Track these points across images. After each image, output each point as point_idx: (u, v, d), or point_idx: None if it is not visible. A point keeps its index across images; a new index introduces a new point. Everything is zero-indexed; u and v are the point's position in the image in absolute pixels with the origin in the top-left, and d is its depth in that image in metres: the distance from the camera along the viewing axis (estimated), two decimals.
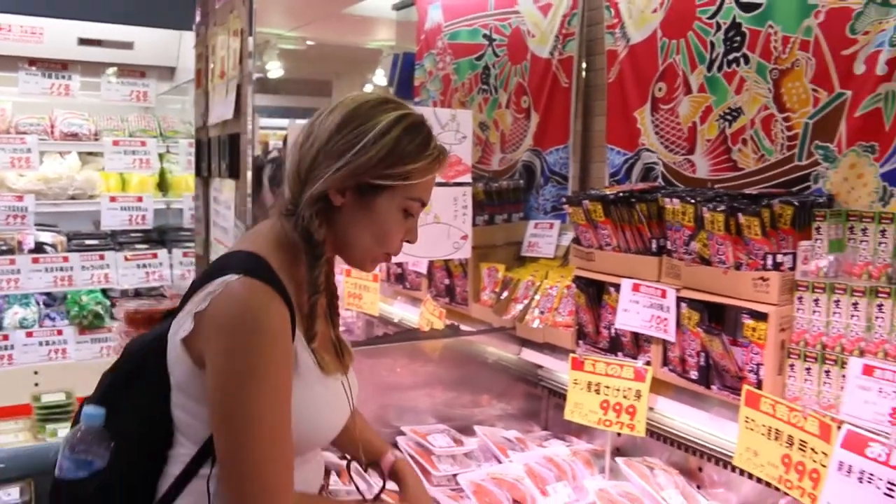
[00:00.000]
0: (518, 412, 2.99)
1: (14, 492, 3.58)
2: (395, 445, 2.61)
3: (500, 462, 2.56)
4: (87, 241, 4.50)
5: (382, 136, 1.40)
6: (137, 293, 4.31)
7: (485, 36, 3.67)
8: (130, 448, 1.44)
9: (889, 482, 1.58)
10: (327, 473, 2.06)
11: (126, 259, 4.36)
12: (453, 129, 2.76)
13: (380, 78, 5.20)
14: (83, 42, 4.55)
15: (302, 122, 1.55)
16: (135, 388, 1.49)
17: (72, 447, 1.41)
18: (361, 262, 1.53)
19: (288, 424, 1.36)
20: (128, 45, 4.67)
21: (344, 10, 4.44)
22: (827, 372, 1.85)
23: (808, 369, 1.89)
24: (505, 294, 3.08)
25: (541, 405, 3.02)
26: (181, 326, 1.38)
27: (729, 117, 2.42)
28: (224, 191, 3.16)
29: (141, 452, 1.45)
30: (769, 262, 1.97)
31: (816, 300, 1.88)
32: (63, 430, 4.03)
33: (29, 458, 3.77)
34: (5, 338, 4.18)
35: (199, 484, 1.42)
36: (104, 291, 4.55)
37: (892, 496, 1.57)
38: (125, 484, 1.43)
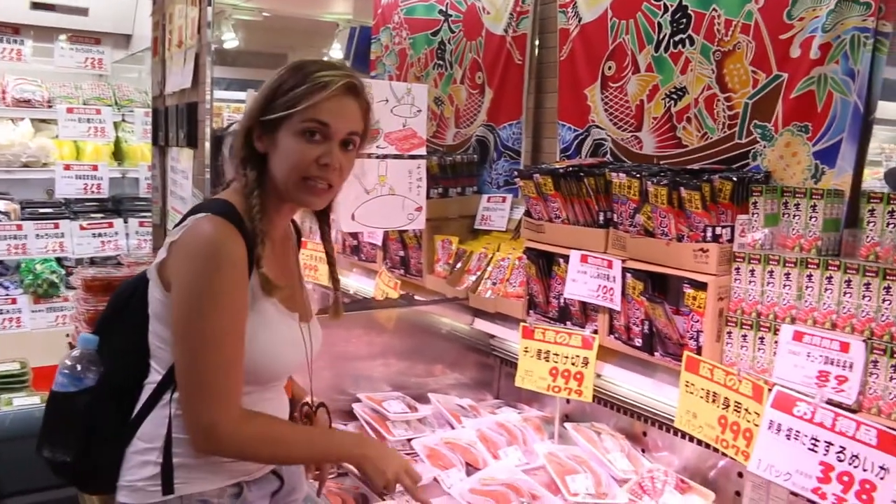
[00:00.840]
0: (471, 381, 3.08)
1: None
2: (351, 412, 2.69)
3: (453, 428, 2.65)
4: (42, 210, 4.46)
5: (275, 79, 1.63)
6: (93, 262, 4.28)
7: (441, 11, 3.71)
8: (116, 373, 1.67)
9: (813, 438, 1.71)
10: None
11: (81, 228, 4.33)
12: (408, 102, 2.81)
13: (336, 51, 5.19)
14: (36, 6, 4.46)
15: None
16: (122, 320, 1.71)
17: (68, 366, 1.67)
18: (296, 195, 1.66)
19: (238, 342, 1.55)
20: (82, 11, 4.60)
21: None
22: (761, 338, 1.97)
23: (745, 336, 2.01)
24: (458, 266, 3.16)
25: (493, 374, 3.12)
26: (159, 255, 1.61)
27: (674, 96, 2.52)
28: (182, 160, 3.17)
29: (125, 378, 1.65)
30: (709, 234, 2.08)
31: (752, 271, 1.99)
32: (18, 399, 4.02)
33: None
34: None
35: (163, 408, 1.60)
36: (59, 260, 4.52)
37: (815, 451, 1.70)
38: (109, 405, 1.64)
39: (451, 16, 3.65)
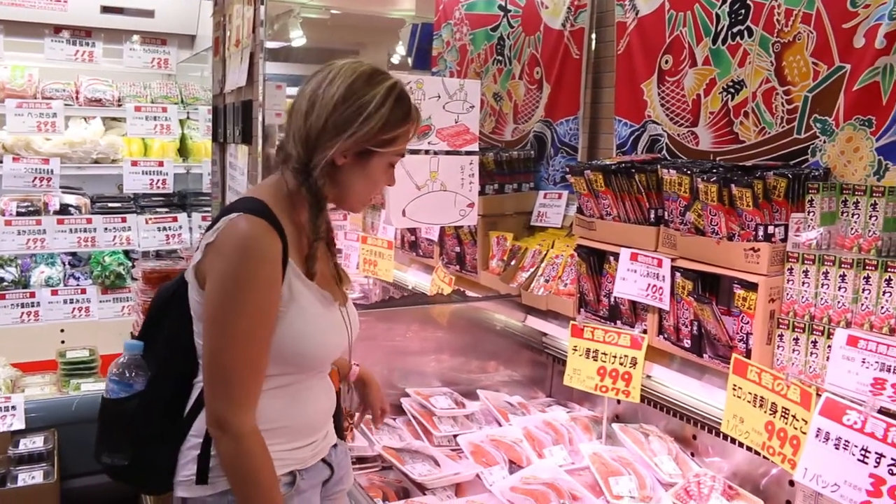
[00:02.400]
0: (523, 378, 3.05)
1: (39, 440, 3.73)
2: (400, 407, 2.69)
3: (500, 425, 2.63)
4: (110, 204, 4.61)
5: (379, 108, 1.60)
6: (157, 255, 4.42)
7: (500, 7, 3.69)
8: (163, 376, 1.69)
9: (864, 449, 1.62)
10: None
11: (147, 222, 4.46)
12: (461, 98, 2.80)
13: (402, 49, 5.21)
14: (106, 10, 4.61)
15: None
16: (164, 323, 1.74)
17: (116, 373, 1.70)
18: (355, 208, 1.76)
19: (263, 340, 1.56)
20: (149, 14, 4.74)
21: None
22: (814, 342, 1.89)
23: (796, 339, 1.93)
24: (512, 262, 3.13)
25: (545, 372, 3.08)
26: (195, 258, 1.62)
27: (732, 90, 2.44)
28: (239, 156, 3.23)
29: (172, 380, 1.69)
30: (761, 233, 2.00)
31: (806, 272, 1.91)
32: (86, 384, 4.18)
33: (53, 410, 3.91)
34: (32, 295, 4.31)
35: None
36: (126, 253, 4.67)
37: (866, 462, 1.61)
38: (159, 406, 1.67)
39: (510, 11, 3.62)
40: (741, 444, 2.09)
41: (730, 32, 2.45)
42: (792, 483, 2.03)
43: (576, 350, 2.53)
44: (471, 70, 3.98)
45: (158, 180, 4.50)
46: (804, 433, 1.76)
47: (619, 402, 2.61)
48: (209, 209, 4.41)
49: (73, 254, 4.61)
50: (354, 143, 1.61)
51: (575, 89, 3.21)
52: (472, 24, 3.95)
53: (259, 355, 1.56)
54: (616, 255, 2.43)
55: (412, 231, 3.82)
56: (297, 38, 4.98)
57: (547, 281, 2.91)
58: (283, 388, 1.65)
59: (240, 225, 1.54)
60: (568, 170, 2.71)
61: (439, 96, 2.78)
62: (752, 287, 1.97)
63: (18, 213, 4.29)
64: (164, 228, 4.47)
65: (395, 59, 4.98)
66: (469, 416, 2.67)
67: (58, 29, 4.54)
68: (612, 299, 2.49)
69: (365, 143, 1.62)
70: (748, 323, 1.99)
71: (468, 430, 2.56)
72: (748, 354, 1.99)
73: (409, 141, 1.71)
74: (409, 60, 4.74)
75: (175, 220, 4.52)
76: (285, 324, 1.59)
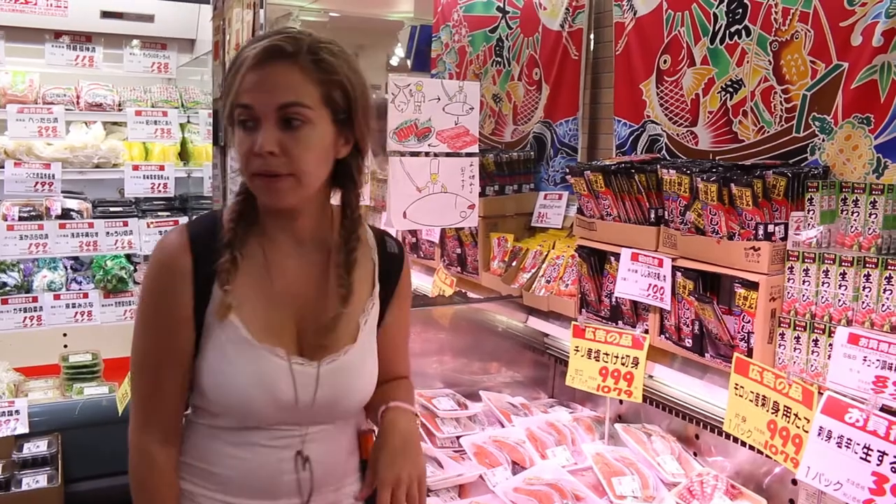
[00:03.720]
0: (525, 379, 3.05)
1: (42, 444, 3.74)
2: None
3: (503, 426, 2.63)
4: (112, 209, 4.61)
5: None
6: None
7: (498, 8, 3.69)
8: None
9: (866, 446, 1.62)
10: None
11: (149, 226, 4.47)
12: (461, 100, 2.80)
13: (401, 51, 5.22)
14: (106, 15, 4.63)
15: None
16: None
17: None
18: (258, 196, 1.44)
19: (161, 362, 1.44)
20: (149, 18, 4.75)
21: None
22: (815, 341, 1.89)
23: (798, 338, 1.93)
24: (514, 263, 3.14)
25: (547, 373, 3.08)
26: None
27: (730, 89, 2.44)
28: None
29: None
30: (761, 232, 2.01)
31: (806, 270, 1.91)
32: (89, 388, 4.18)
33: (57, 414, 3.93)
34: (34, 300, 4.31)
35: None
36: (128, 257, 4.68)
37: (868, 460, 1.62)
38: None
39: (508, 12, 3.63)
40: (744, 444, 2.09)
41: (728, 32, 2.45)
42: (795, 482, 2.03)
43: (577, 350, 2.53)
44: (470, 72, 3.98)
45: (160, 184, 4.51)
46: (806, 432, 1.76)
47: (621, 402, 2.61)
48: None
49: (75, 258, 4.61)
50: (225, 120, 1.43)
51: (574, 90, 3.22)
52: (470, 26, 3.96)
53: (155, 376, 1.45)
54: (617, 256, 2.44)
55: (413, 233, 3.83)
56: None
57: (548, 282, 2.91)
58: (227, 431, 1.47)
59: (166, 235, 1.47)
60: (568, 170, 2.71)
61: (439, 98, 2.78)
62: (753, 286, 1.97)
63: (20, 218, 4.29)
64: (166, 232, 4.48)
65: (395, 62, 4.98)
66: (472, 417, 2.67)
67: (58, 34, 4.55)
68: (614, 299, 2.50)
69: (223, 112, 1.43)
70: (749, 322, 2.00)
71: (471, 432, 2.56)
72: (750, 353, 2.00)
73: (245, 86, 1.35)
74: (409, 62, 4.75)
75: (176, 223, 4.53)
76: (200, 357, 1.44)
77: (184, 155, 4.88)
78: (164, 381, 1.45)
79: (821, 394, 1.75)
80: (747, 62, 2.38)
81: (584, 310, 2.66)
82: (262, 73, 1.34)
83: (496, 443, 2.45)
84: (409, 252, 1.52)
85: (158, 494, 1.47)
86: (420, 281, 3.79)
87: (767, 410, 1.89)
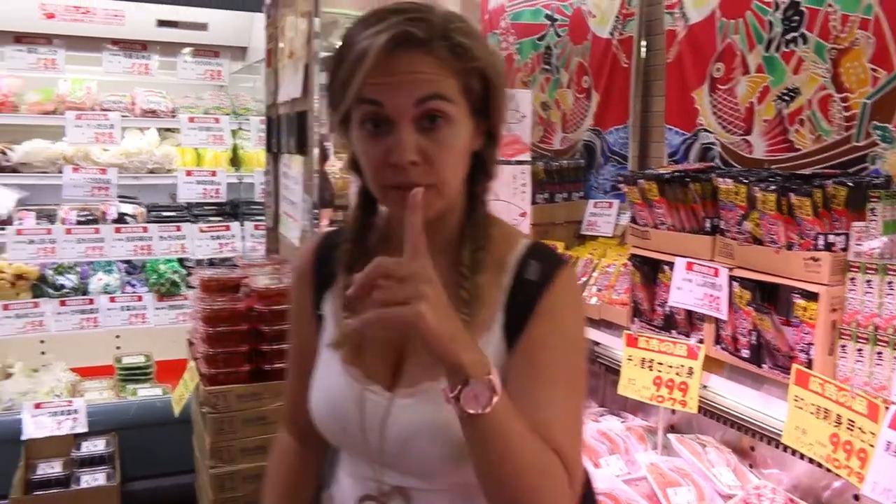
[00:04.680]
0: None
1: (100, 443, 3.83)
2: None
3: None
4: (165, 213, 4.73)
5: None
6: (211, 263, 4.51)
7: (547, 16, 3.70)
8: None
9: None
10: None
11: (201, 230, 4.56)
12: (512, 108, 2.81)
13: None
14: (161, 24, 4.74)
15: None
16: None
17: None
18: (384, 202, 1.25)
19: (293, 356, 1.47)
20: (202, 27, 4.85)
21: None
22: (879, 353, 1.86)
23: (860, 350, 1.90)
24: None
25: (598, 382, 3.07)
26: None
27: (786, 97, 2.42)
28: (293, 166, 3.29)
29: None
30: (821, 242, 1.99)
31: (869, 281, 1.89)
32: (143, 390, 4.27)
33: (113, 414, 4.01)
34: (91, 302, 4.43)
35: None
36: (180, 261, 4.78)
37: None
38: None
39: (556, 20, 3.64)
40: (802, 456, 2.07)
41: (783, 39, 2.44)
42: (857, 497, 2.00)
43: (630, 360, 2.53)
44: (518, 79, 4.00)
45: (212, 189, 4.60)
46: (872, 446, 1.74)
47: (673, 412, 2.60)
48: (261, 218, 4.49)
49: (129, 261, 4.73)
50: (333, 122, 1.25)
51: (624, 98, 3.21)
52: (518, 34, 3.97)
53: (294, 375, 1.46)
54: (671, 265, 2.43)
55: None
56: None
57: (599, 290, 2.91)
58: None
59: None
60: (621, 179, 2.71)
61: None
62: (813, 297, 1.95)
63: (78, 222, 4.42)
64: (218, 237, 4.56)
65: None
66: None
67: (115, 42, 4.68)
68: (667, 309, 2.49)
69: (333, 112, 1.23)
70: (809, 333, 1.98)
71: None
72: (809, 365, 1.98)
73: (371, 79, 1.12)
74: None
75: (227, 228, 4.61)
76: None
77: (235, 161, 4.97)
78: (300, 381, 1.37)
79: (887, 408, 1.73)
80: (804, 70, 2.37)
81: (636, 318, 2.65)
82: (391, 64, 1.12)
83: None
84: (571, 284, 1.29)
85: (271, 491, 1.49)
86: None
87: (830, 423, 1.87)
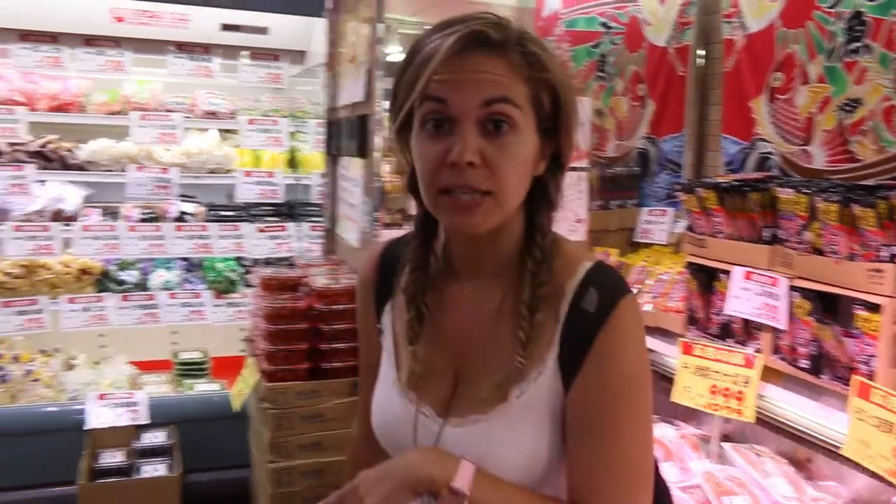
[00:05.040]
0: None
1: (160, 435, 3.94)
2: None
3: None
4: (224, 213, 4.84)
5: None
6: (268, 262, 4.60)
7: (602, 24, 3.72)
8: None
9: None
10: None
11: (259, 230, 4.66)
12: None
13: None
14: (225, 28, 4.86)
15: None
16: None
17: None
18: (443, 220, 1.22)
19: (361, 365, 1.49)
20: (263, 31, 4.95)
21: None
22: None
23: None
24: None
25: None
26: None
27: (848, 108, 2.42)
28: (352, 169, 3.36)
29: None
30: (884, 253, 1.99)
31: None
32: (199, 385, 4.39)
33: (173, 407, 4.12)
34: (151, 297, 4.56)
35: None
36: (237, 259, 4.89)
37: None
38: None
39: (612, 28, 3.66)
40: (861, 469, 2.07)
41: (846, 49, 2.43)
42: None
43: (686, 367, 2.54)
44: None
45: (269, 190, 4.70)
46: None
47: (728, 421, 2.60)
48: (317, 219, 4.58)
49: (187, 259, 4.85)
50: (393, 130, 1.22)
51: (680, 106, 3.22)
52: (572, 41, 4.00)
53: (364, 380, 1.48)
54: (727, 273, 2.44)
55: None
56: (396, 54, 5.11)
57: (654, 297, 2.93)
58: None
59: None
60: (678, 187, 2.72)
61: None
62: (876, 308, 1.96)
63: (141, 220, 4.55)
64: (275, 237, 4.66)
65: None
66: None
67: (180, 45, 4.81)
68: (724, 317, 2.49)
69: (394, 119, 1.20)
70: (871, 345, 1.98)
71: None
72: (871, 377, 1.98)
73: (437, 77, 1.10)
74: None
75: (284, 229, 4.71)
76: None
77: (292, 163, 5.06)
78: (369, 389, 1.40)
79: None
80: (867, 80, 2.36)
81: (691, 326, 2.66)
82: (460, 62, 1.10)
83: None
84: (632, 315, 1.19)
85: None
86: None
87: (893, 436, 1.87)
